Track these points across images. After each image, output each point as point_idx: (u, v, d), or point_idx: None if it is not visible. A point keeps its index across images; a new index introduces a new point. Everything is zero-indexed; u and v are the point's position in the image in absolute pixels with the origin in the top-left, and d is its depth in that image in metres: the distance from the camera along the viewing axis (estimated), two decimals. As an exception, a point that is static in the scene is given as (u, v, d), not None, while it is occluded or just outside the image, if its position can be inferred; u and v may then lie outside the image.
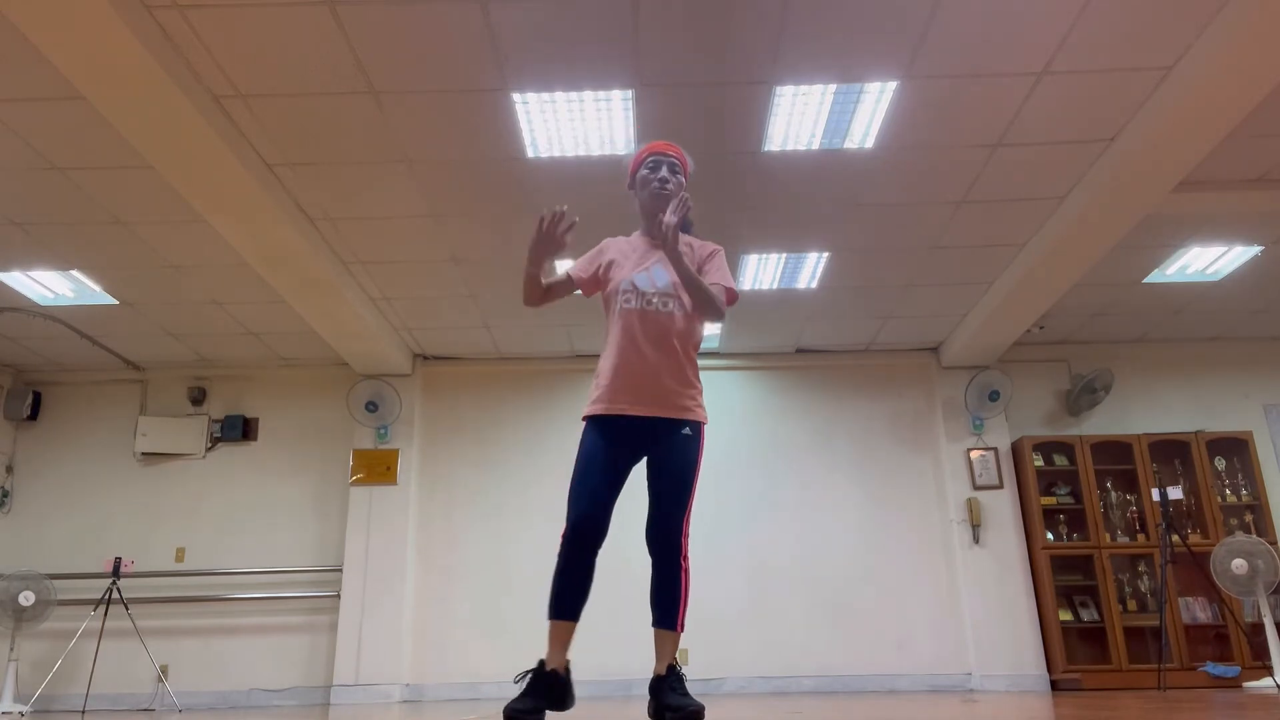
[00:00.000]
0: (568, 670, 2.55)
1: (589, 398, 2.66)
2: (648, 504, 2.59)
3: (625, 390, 2.57)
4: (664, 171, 2.70)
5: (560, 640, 2.52)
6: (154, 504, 7.35)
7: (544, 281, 2.70)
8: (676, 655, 2.57)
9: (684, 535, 2.54)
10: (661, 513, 2.53)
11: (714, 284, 2.64)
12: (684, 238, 2.80)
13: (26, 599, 6.21)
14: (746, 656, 6.85)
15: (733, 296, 2.67)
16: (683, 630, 2.59)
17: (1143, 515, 7.01)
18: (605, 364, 2.63)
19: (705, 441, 2.66)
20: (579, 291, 2.79)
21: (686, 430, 2.58)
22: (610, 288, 2.69)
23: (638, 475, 2.70)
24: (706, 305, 2.57)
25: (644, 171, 2.74)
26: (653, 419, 2.57)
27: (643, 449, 2.62)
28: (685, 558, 2.54)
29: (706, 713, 2.76)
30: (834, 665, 6.83)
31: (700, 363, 8.60)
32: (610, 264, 2.73)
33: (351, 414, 7.21)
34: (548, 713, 2.48)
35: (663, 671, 2.53)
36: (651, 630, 2.57)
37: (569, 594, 2.52)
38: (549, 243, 2.58)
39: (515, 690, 2.52)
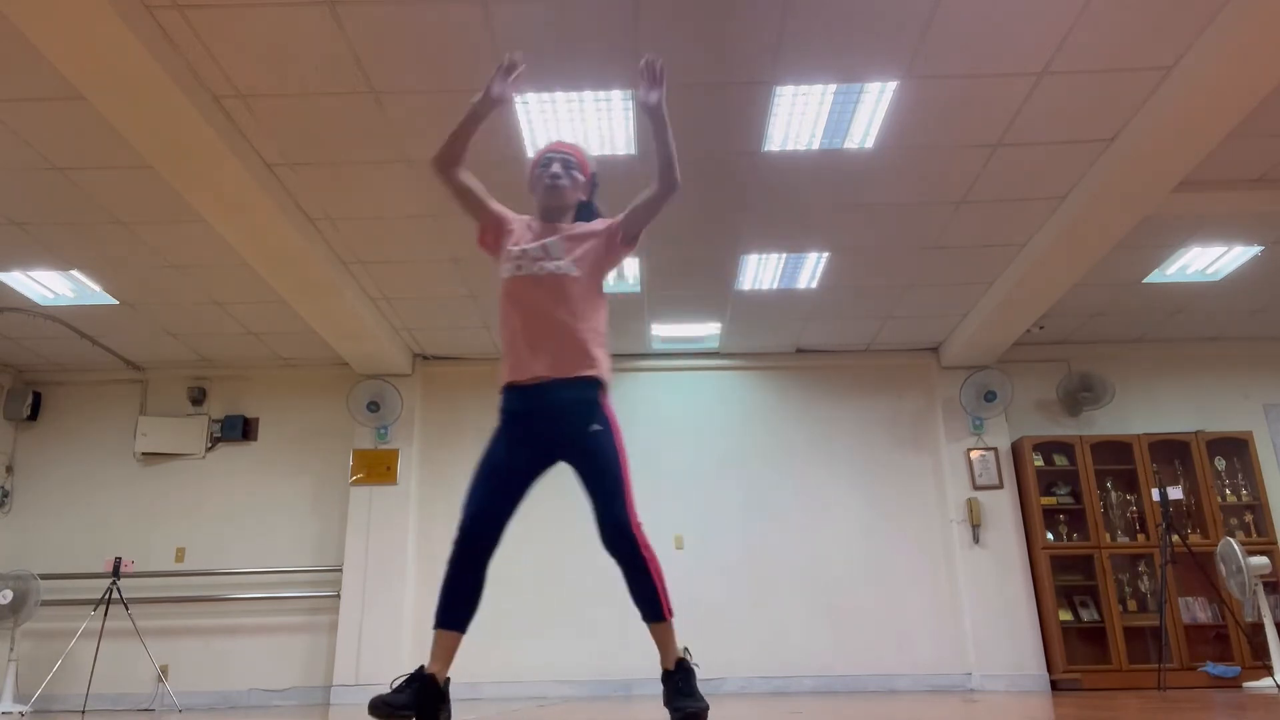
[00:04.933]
0: (447, 683, 2.43)
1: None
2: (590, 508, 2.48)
3: (524, 360, 2.49)
4: (555, 168, 2.64)
5: (444, 651, 2.41)
6: (154, 504, 7.34)
7: (464, 168, 2.61)
8: (684, 647, 2.50)
9: (636, 526, 2.43)
10: (605, 514, 2.44)
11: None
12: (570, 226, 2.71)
13: (4, 597, 6.21)
14: (746, 656, 6.85)
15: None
16: (672, 614, 2.48)
17: (1143, 515, 7.01)
18: (500, 329, 2.57)
19: (619, 425, 2.54)
20: (476, 224, 2.69)
21: (596, 427, 2.48)
22: (503, 250, 2.62)
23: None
24: (669, 166, 2.51)
25: (537, 170, 2.69)
26: (553, 397, 2.47)
27: (554, 450, 2.52)
28: (646, 546, 2.44)
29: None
30: (834, 665, 6.83)
31: (700, 363, 8.48)
32: (510, 228, 2.66)
33: (352, 415, 7.21)
34: None
35: (670, 666, 2.46)
36: (647, 629, 2.53)
37: (456, 604, 2.42)
38: (503, 93, 2.53)
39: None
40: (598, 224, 2.67)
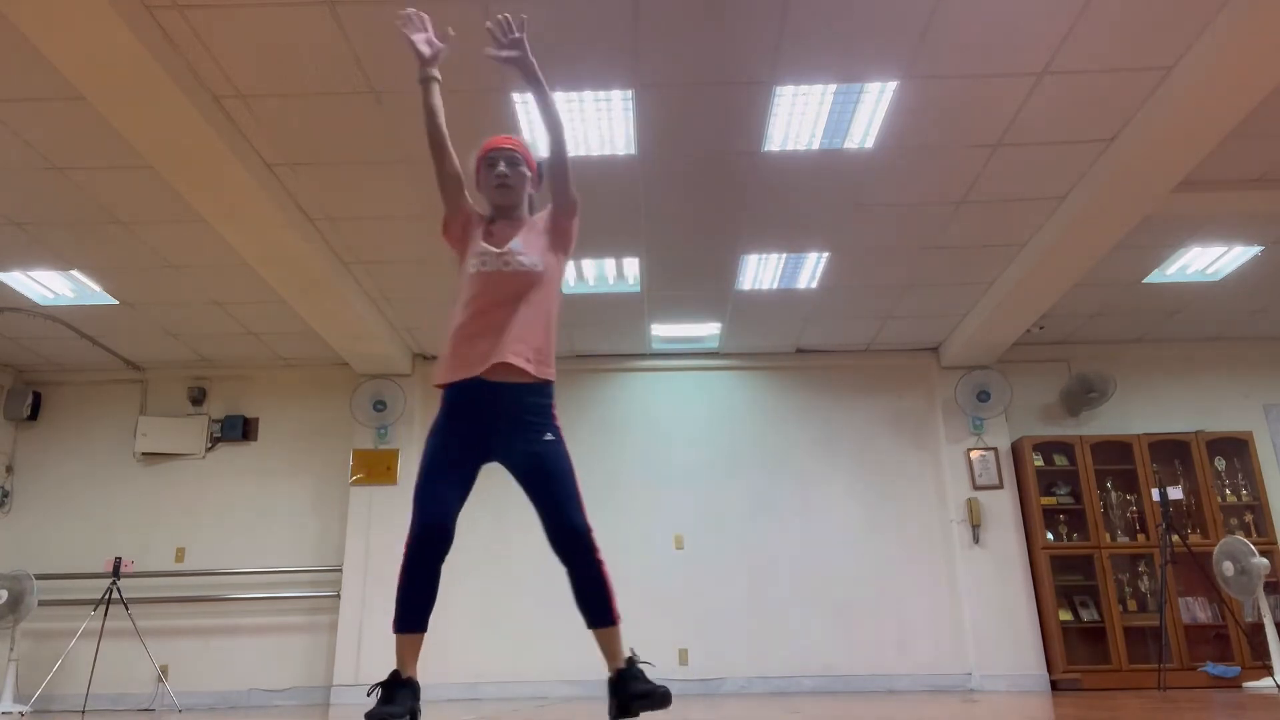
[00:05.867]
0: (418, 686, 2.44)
1: (439, 367, 2.55)
2: (538, 515, 2.47)
3: (472, 355, 2.46)
4: (501, 166, 2.64)
5: (414, 653, 2.40)
6: (154, 504, 7.34)
7: (451, 153, 2.64)
8: (630, 648, 2.48)
9: (590, 531, 2.44)
10: (563, 519, 2.43)
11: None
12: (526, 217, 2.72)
13: (0, 597, 6.22)
14: (746, 656, 6.85)
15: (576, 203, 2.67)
16: (620, 618, 2.47)
17: (1143, 515, 7.02)
18: (453, 327, 2.53)
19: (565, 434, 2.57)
20: (444, 212, 2.67)
21: (549, 436, 2.50)
22: (469, 245, 2.61)
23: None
24: (557, 121, 2.61)
25: (483, 171, 2.69)
26: (511, 400, 2.46)
27: (497, 452, 2.50)
28: (598, 550, 2.45)
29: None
30: (834, 665, 6.83)
31: (700, 363, 8.48)
32: (476, 225, 2.65)
33: (353, 415, 7.21)
34: None
35: (622, 665, 2.45)
36: (593, 631, 2.45)
37: (419, 607, 2.39)
38: (433, 53, 2.68)
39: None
40: (544, 215, 2.69)
